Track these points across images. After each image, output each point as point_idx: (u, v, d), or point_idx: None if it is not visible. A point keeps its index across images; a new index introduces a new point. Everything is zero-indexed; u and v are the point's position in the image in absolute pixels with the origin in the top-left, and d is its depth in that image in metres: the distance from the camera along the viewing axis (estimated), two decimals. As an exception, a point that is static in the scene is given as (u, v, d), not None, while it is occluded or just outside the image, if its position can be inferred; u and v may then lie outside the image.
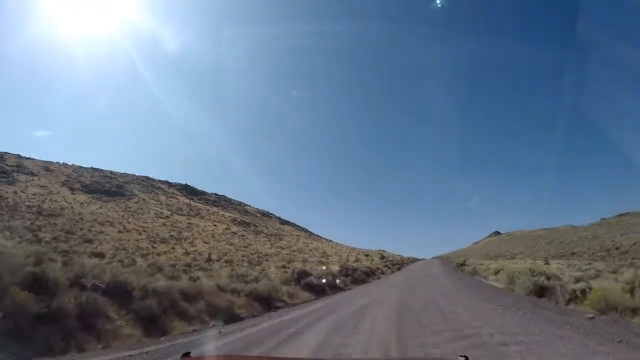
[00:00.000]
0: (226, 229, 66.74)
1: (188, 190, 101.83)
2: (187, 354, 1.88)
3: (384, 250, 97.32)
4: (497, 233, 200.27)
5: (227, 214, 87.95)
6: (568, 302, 11.20)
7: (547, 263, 33.88)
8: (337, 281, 23.36)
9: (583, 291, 10.91)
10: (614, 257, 46.84)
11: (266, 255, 43.42)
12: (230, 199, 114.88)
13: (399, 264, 57.72)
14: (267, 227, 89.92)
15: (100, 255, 22.04)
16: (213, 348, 7.42)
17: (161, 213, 63.64)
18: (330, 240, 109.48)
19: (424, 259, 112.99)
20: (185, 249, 37.29)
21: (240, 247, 50.13)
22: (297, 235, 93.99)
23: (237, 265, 27.69)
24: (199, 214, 76.04)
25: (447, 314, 10.05)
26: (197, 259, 28.74)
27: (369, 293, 17.90)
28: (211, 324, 10.27)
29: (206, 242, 47.60)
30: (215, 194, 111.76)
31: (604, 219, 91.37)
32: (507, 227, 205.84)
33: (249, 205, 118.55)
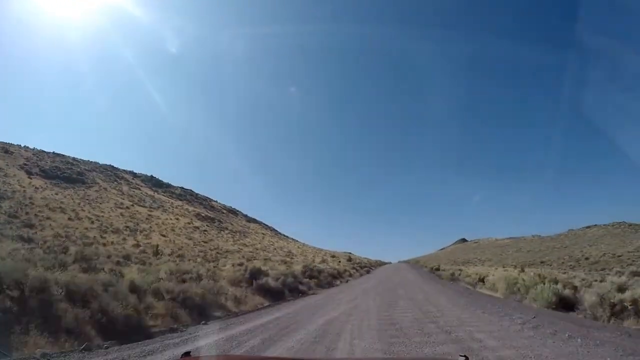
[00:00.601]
0: (189, 223, 63.12)
1: (153, 182, 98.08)
2: (187, 354, 1.87)
3: (351, 253, 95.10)
4: (464, 240, 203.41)
5: (191, 209, 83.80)
6: (610, 317, 8.20)
7: (523, 271, 31.83)
8: (300, 284, 19.70)
9: (634, 301, 7.93)
10: (584, 267, 46.77)
11: (226, 251, 40.05)
12: (197, 194, 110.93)
13: (367, 266, 54.87)
14: (232, 224, 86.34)
15: (29, 241, 20.41)
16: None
17: (121, 203, 59.92)
18: (297, 241, 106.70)
19: (390, 263, 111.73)
20: (137, 241, 33.65)
21: (199, 242, 46.66)
22: (263, 234, 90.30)
23: (189, 260, 24.67)
24: (162, 206, 72.44)
25: (462, 338, 6.62)
26: (147, 252, 26.40)
27: (338, 301, 14.26)
28: (83, 346, 6.30)
29: (164, 236, 43.97)
30: (182, 188, 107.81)
31: (571, 230, 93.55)
32: (473, 235, 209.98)
33: (215, 201, 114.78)
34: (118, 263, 16.70)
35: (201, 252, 35.03)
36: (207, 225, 69.40)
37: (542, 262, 54.86)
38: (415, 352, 5.82)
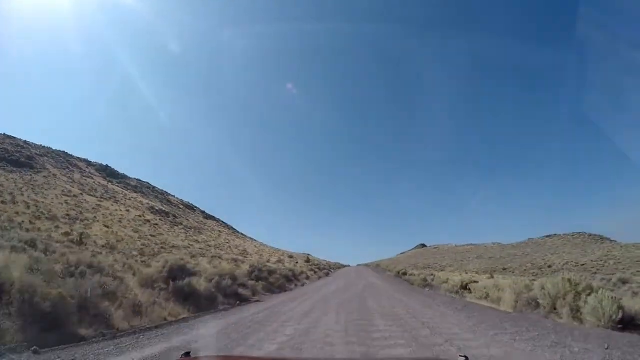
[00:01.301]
0: (140, 216, 58.96)
1: (108, 172, 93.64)
2: (187, 354, 1.85)
3: (310, 254, 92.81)
4: (423, 245, 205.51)
5: (146, 201, 79.69)
6: None
7: (492, 277, 29.51)
8: (242, 287, 15.22)
9: None
10: (547, 274, 46.23)
11: (173, 247, 36.18)
12: (154, 187, 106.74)
13: (326, 269, 51.04)
14: (188, 220, 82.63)
15: None
16: None
17: (69, 191, 55.71)
18: (256, 240, 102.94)
19: (350, 266, 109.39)
20: (71, 230, 28.53)
21: (146, 236, 42.39)
22: (220, 231, 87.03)
23: (119, 253, 20.64)
24: (114, 197, 68.50)
25: None
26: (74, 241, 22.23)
27: (287, 316, 9.83)
28: None
29: (107, 227, 39.15)
30: (138, 180, 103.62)
31: (531, 239, 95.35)
32: (432, 241, 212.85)
33: (173, 196, 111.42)
34: (13, 249, 11.92)
35: (143, 245, 31.05)
36: (159, 219, 65.51)
37: (504, 269, 54.01)
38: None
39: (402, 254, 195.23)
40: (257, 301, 13.85)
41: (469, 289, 15.98)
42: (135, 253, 23.02)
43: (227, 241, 71.12)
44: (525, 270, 51.98)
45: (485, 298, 12.87)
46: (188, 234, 61.38)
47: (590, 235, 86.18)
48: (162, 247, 33.26)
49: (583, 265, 48.87)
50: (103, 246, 24.45)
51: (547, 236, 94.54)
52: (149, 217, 63.00)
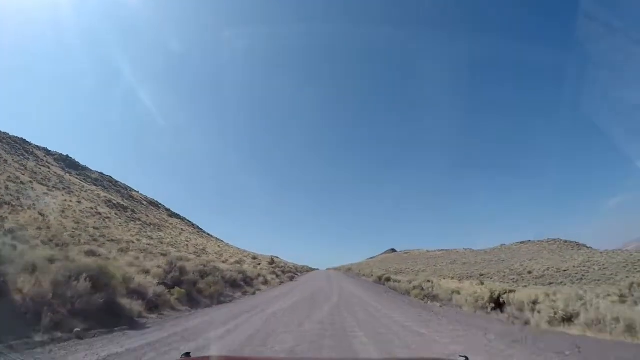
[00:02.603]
0: (92, 208, 55.06)
1: (67, 163, 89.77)
2: (187, 354, 1.82)
3: (277, 257, 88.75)
4: (393, 250, 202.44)
5: (104, 195, 75.11)
6: None
7: (482, 283, 24.45)
8: (135, 298, 8.75)
9: None
10: (528, 280, 43.59)
11: (112, 240, 32.67)
12: (117, 181, 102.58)
13: (291, 272, 44.74)
14: (148, 216, 78.76)
15: None
16: None
17: (17, 178, 51.66)
18: (222, 241, 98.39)
19: (319, 270, 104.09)
20: None
21: (89, 227, 38.00)
22: (183, 230, 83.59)
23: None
24: (68, 188, 63.85)
25: None
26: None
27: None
28: None
29: (42, 215, 34.96)
30: (100, 173, 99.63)
31: (504, 245, 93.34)
32: (401, 246, 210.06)
33: (137, 192, 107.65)
34: None
35: (72, 236, 26.57)
36: (114, 214, 62.12)
37: (481, 275, 50.39)
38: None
39: (371, 258, 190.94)
40: (124, 330, 7.37)
41: (500, 303, 10.41)
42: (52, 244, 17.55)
43: (188, 240, 67.83)
44: (504, 276, 48.67)
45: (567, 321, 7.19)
46: (143, 230, 57.99)
47: (565, 241, 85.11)
48: (94, 240, 28.91)
49: (565, 270, 45.66)
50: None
51: (521, 242, 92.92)
52: (103, 210, 59.45)
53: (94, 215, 50.23)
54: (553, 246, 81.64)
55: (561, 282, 39.97)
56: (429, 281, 17.68)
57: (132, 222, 62.79)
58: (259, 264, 38.86)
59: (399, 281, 21.32)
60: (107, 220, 52.27)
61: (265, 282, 22.47)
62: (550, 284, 39.05)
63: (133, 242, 36.25)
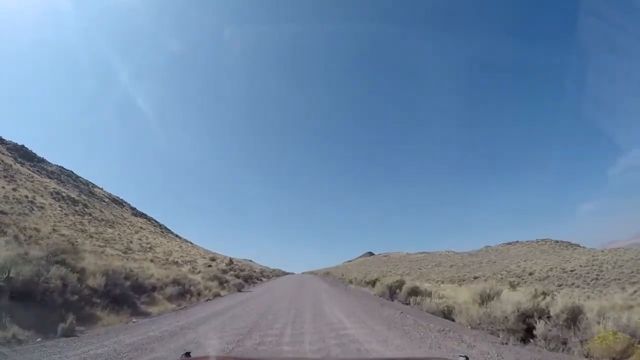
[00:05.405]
0: (26, 196, 50.41)
1: (21, 153, 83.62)
2: (187, 354, 1.82)
3: (251, 260, 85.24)
4: (371, 253, 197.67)
5: (54, 187, 69.81)
6: None
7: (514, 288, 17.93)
8: None
9: None
10: (531, 282, 38.31)
11: (36, 230, 28.32)
12: (78, 176, 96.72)
13: (254, 276, 37.38)
14: (102, 212, 74.01)
15: None
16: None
17: None
18: (190, 243, 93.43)
19: (294, 274, 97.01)
20: None
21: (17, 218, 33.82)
22: (141, 228, 78.52)
23: None
24: (12, 177, 59.40)
25: None
26: None
27: None
28: None
29: None
30: (60, 167, 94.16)
31: (489, 246, 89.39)
32: (377, 249, 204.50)
33: (100, 188, 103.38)
34: None
35: None
36: (58, 206, 57.84)
37: (475, 277, 45.02)
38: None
39: (348, 262, 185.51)
40: None
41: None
42: None
43: (144, 237, 63.84)
44: (501, 278, 43.45)
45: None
46: (90, 225, 54.65)
47: (556, 241, 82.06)
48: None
49: (572, 271, 40.35)
50: None
51: (508, 243, 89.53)
52: (43, 200, 55.20)
53: (20, 203, 45.25)
54: (544, 246, 78.31)
55: (572, 284, 34.10)
56: (439, 288, 10.72)
57: (78, 216, 58.94)
58: (210, 266, 31.88)
59: (389, 284, 13.49)
60: (38, 209, 47.79)
61: (199, 294, 14.98)
62: (560, 285, 33.46)
63: (63, 236, 30.20)
